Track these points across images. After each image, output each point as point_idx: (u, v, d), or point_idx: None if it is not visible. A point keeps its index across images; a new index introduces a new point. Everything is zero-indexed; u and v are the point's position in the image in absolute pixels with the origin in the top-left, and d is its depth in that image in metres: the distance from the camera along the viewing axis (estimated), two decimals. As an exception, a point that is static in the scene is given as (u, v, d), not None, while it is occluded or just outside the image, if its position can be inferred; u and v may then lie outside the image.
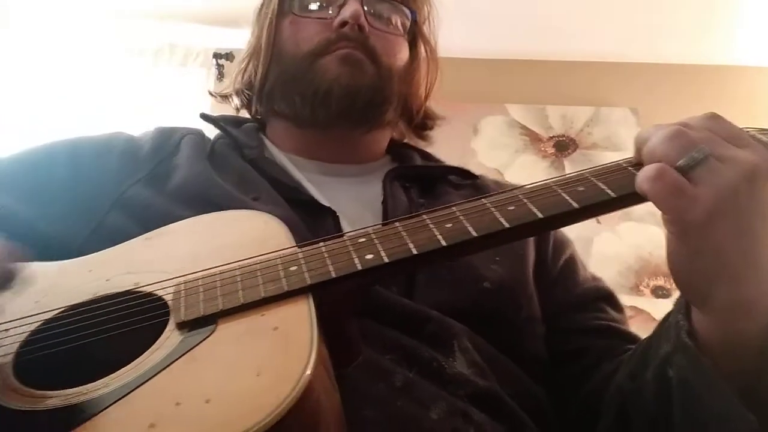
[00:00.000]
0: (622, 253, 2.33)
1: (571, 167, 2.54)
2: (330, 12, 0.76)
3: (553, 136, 2.61)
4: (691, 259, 0.46)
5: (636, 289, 2.28)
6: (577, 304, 0.74)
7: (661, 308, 2.23)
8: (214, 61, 2.68)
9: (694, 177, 0.43)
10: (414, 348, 0.57)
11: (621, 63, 2.69)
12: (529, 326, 0.68)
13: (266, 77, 0.80)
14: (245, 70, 0.84)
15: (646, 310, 2.23)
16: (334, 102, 0.73)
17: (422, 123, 0.89)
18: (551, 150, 2.59)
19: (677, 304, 0.53)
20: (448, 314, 0.62)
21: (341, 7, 0.75)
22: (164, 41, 2.69)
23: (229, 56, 2.67)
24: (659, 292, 2.30)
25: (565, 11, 2.43)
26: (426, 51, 0.86)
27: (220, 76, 2.69)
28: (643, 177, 0.45)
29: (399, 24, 0.81)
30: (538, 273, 0.73)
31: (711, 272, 0.45)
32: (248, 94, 0.84)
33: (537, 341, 0.69)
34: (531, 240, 0.75)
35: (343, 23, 0.74)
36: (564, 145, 2.60)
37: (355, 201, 0.74)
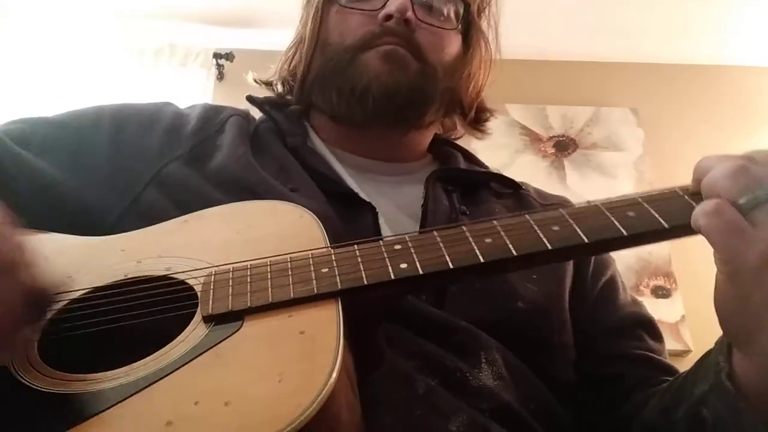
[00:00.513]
0: (622, 253, 2.29)
1: (571, 167, 2.54)
2: (377, 2, 0.72)
3: (553, 136, 2.61)
4: (739, 303, 0.43)
5: (636, 289, 2.28)
6: (615, 329, 0.70)
7: (661, 308, 2.23)
8: (214, 61, 2.68)
9: (754, 218, 0.41)
10: (439, 356, 0.55)
11: (621, 63, 2.69)
12: (559, 351, 0.65)
13: (309, 67, 0.77)
14: (292, 59, 0.82)
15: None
16: (372, 101, 0.70)
17: (476, 117, 0.85)
18: (551, 150, 2.59)
19: (719, 344, 0.51)
20: (478, 328, 0.59)
21: None
22: (164, 41, 2.69)
23: (229, 56, 2.67)
24: (659, 292, 2.29)
25: (565, 11, 2.43)
26: (481, 42, 0.81)
27: (220, 76, 2.69)
28: (701, 211, 0.43)
29: (452, 13, 0.76)
30: (575, 293, 0.69)
31: (758, 317, 0.43)
32: (291, 83, 0.82)
33: (566, 367, 0.66)
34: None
35: (389, 16, 0.70)
36: (564, 145, 2.59)
37: (394, 200, 0.72)
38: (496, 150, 2.55)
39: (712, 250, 0.43)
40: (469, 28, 0.79)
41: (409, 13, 0.70)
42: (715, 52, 2.62)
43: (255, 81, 0.86)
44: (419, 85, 0.71)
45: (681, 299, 2.24)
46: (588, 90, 2.67)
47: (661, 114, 2.59)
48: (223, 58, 2.67)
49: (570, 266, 0.71)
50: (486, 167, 0.84)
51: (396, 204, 0.71)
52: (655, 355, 0.68)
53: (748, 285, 0.42)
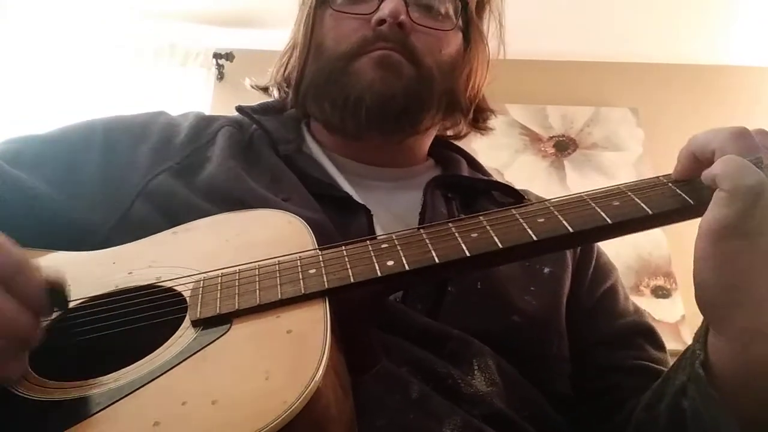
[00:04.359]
0: (622, 253, 2.33)
1: (571, 167, 2.54)
2: (370, 6, 0.70)
3: (553, 136, 2.61)
4: (720, 270, 0.45)
5: (636, 289, 2.28)
6: (614, 340, 0.69)
7: (661, 308, 2.23)
8: (214, 61, 2.68)
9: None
10: (432, 363, 0.55)
11: (621, 63, 2.70)
12: (555, 365, 0.64)
13: (303, 73, 0.75)
14: (286, 64, 0.80)
15: (646, 311, 2.22)
16: (365, 111, 0.68)
17: (476, 116, 0.83)
18: (551, 150, 2.59)
19: (696, 335, 0.51)
20: (472, 337, 0.59)
21: (382, 0, 0.69)
22: (164, 41, 2.69)
23: (229, 56, 2.67)
24: (659, 292, 2.29)
25: (565, 11, 2.43)
26: (480, 39, 0.79)
27: (220, 76, 2.69)
28: (716, 163, 0.45)
29: (450, 11, 0.73)
30: (572, 303, 0.68)
31: (736, 291, 0.44)
32: (287, 89, 0.80)
33: (561, 379, 0.65)
34: (569, 266, 0.70)
35: (382, 21, 0.68)
36: (564, 145, 2.59)
37: (392, 206, 0.71)
38: (496, 150, 2.55)
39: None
40: (469, 26, 0.76)
41: (403, 17, 0.68)
42: (715, 52, 2.62)
43: (251, 87, 0.85)
44: (414, 91, 0.69)
45: (681, 299, 2.24)
46: (588, 90, 2.67)
47: (661, 114, 2.59)
48: (223, 58, 2.67)
49: (568, 275, 0.70)
50: (489, 175, 0.83)
51: (393, 210, 0.70)
52: (654, 365, 0.67)
53: (737, 240, 0.43)
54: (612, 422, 0.63)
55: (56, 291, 0.45)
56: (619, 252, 2.38)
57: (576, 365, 0.66)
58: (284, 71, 0.81)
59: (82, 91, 2.58)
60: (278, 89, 0.82)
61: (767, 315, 0.44)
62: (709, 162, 0.47)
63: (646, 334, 0.71)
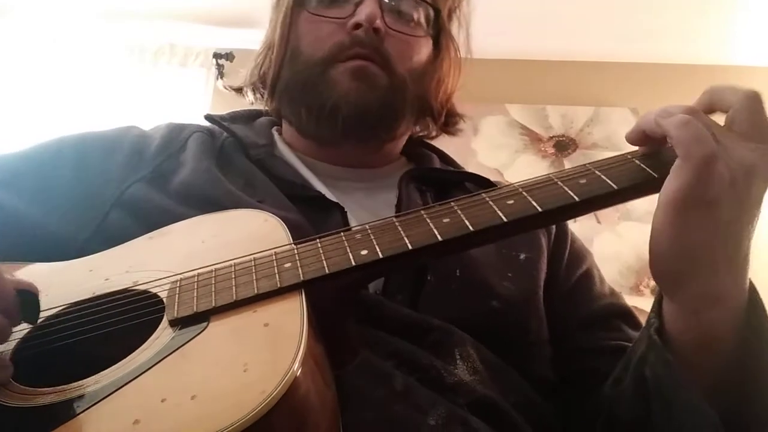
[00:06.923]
0: (622, 253, 2.33)
1: (571, 167, 2.54)
2: (346, 9, 0.71)
3: (553, 136, 2.61)
4: (677, 239, 0.46)
5: (636, 289, 2.28)
6: (591, 322, 0.70)
7: (661, 308, 2.23)
8: (214, 61, 2.68)
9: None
10: (414, 355, 0.56)
11: (621, 63, 2.69)
12: (535, 349, 0.65)
13: (278, 75, 0.76)
14: (261, 64, 0.80)
15: (646, 310, 2.20)
16: (341, 120, 0.68)
17: (446, 120, 0.84)
18: (551, 150, 2.59)
19: (652, 306, 0.53)
20: (453, 326, 0.60)
21: (358, 5, 0.70)
22: (164, 41, 2.69)
23: (229, 56, 2.67)
24: (659, 292, 2.30)
25: (565, 11, 2.43)
26: (451, 47, 0.79)
27: (220, 76, 2.69)
28: (674, 121, 0.46)
29: (422, 18, 0.74)
30: (549, 288, 0.69)
31: (691, 260, 0.46)
32: (262, 90, 0.80)
33: (543, 363, 0.66)
34: (545, 251, 0.72)
35: (358, 25, 0.69)
36: (564, 145, 2.60)
37: (367, 202, 0.71)
38: (496, 150, 2.55)
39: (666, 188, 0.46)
40: (440, 33, 0.78)
41: (378, 21, 0.69)
42: (715, 52, 2.61)
43: (225, 88, 0.85)
44: (388, 101, 0.70)
45: (681, 299, 2.24)
46: (588, 90, 2.67)
47: (661, 114, 2.59)
48: (223, 58, 2.68)
49: (544, 260, 0.71)
50: (461, 168, 0.84)
51: (368, 207, 0.71)
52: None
53: (693, 209, 0.45)
54: (591, 401, 0.64)
55: (26, 293, 0.46)
56: (619, 252, 2.38)
57: (556, 349, 0.68)
58: (259, 71, 0.81)
59: (82, 91, 2.58)
60: (253, 90, 0.82)
61: (719, 282, 0.46)
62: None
63: (623, 315, 0.72)
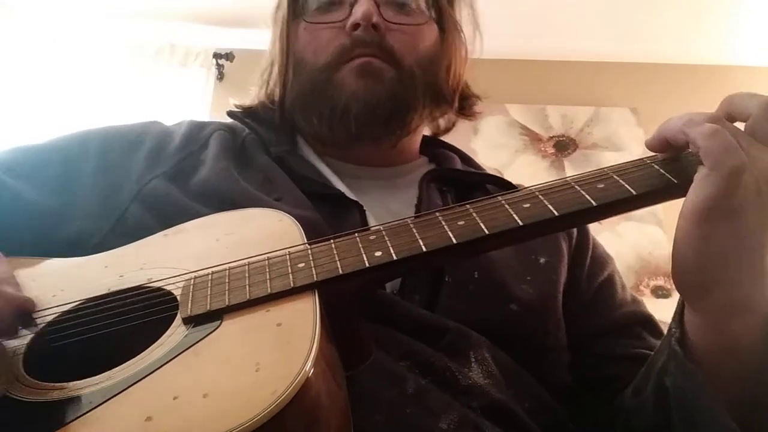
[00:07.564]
0: (622, 253, 2.33)
1: (571, 167, 2.54)
2: (342, 12, 0.70)
3: (553, 136, 2.61)
4: (701, 250, 0.46)
5: (636, 289, 2.28)
6: (612, 330, 0.69)
7: (661, 308, 2.22)
8: (214, 61, 2.68)
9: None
10: (429, 356, 0.55)
11: (621, 63, 2.70)
12: (553, 354, 0.65)
13: (285, 90, 0.76)
14: (267, 83, 0.80)
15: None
16: (354, 120, 0.68)
17: (461, 104, 0.83)
18: (551, 150, 2.59)
19: (673, 315, 0.53)
20: (469, 328, 0.59)
21: (353, 5, 0.69)
22: (164, 41, 2.69)
23: (229, 56, 2.67)
24: (659, 292, 2.30)
25: (565, 11, 2.43)
26: (455, 28, 0.78)
27: (220, 76, 2.69)
28: (701, 132, 0.46)
29: (422, 4, 0.73)
30: (570, 294, 0.68)
31: (714, 270, 0.46)
32: (272, 108, 0.79)
33: (560, 369, 0.65)
34: (565, 256, 0.71)
35: (356, 25, 0.68)
36: (564, 145, 2.59)
37: (387, 202, 0.71)
38: (496, 150, 2.55)
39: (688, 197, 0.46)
40: (442, 15, 0.76)
41: (376, 18, 0.68)
42: (715, 52, 2.62)
43: (236, 107, 0.84)
44: (398, 94, 0.70)
45: (681, 299, 2.24)
46: (588, 90, 2.67)
47: (661, 114, 2.55)
48: (223, 58, 2.67)
49: (564, 265, 0.70)
50: (482, 170, 0.83)
51: (388, 205, 0.70)
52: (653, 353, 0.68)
53: (717, 221, 0.44)
54: (609, 409, 0.63)
55: (23, 309, 0.47)
56: (619, 252, 2.38)
57: (575, 356, 0.67)
58: (266, 89, 0.80)
59: (82, 92, 2.58)
60: (262, 109, 0.81)
61: (741, 293, 0.46)
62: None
63: (644, 323, 0.71)
